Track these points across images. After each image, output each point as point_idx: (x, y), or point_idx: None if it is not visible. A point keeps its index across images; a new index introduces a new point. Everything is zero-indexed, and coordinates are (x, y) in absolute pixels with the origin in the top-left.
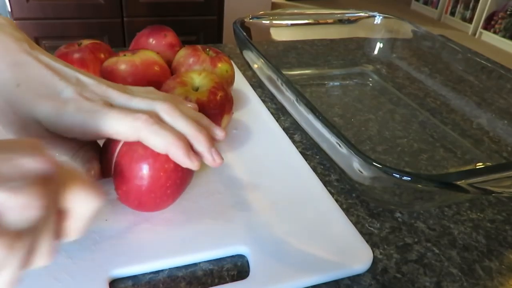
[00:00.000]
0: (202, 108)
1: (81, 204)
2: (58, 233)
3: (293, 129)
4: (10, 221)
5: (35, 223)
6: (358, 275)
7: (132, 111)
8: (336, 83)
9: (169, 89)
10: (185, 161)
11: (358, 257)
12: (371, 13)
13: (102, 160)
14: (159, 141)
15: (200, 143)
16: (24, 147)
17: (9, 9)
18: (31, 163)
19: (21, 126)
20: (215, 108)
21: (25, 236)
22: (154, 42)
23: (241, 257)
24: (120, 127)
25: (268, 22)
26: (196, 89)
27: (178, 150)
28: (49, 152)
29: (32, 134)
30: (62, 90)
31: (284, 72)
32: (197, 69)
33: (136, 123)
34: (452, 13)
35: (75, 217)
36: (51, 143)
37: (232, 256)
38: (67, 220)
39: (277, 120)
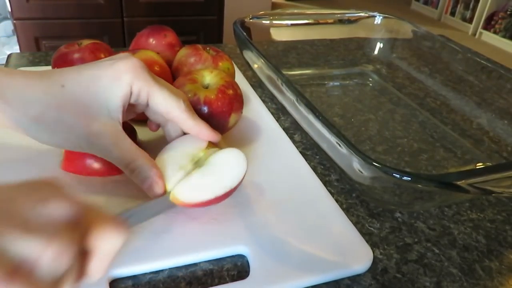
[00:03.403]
0: (210, 105)
1: (105, 244)
2: (81, 273)
3: (293, 129)
4: (43, 271)
5: (65, 270)
6: (358, 275)
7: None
8: (336, 83)
9: (179, 86)
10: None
11: (358, 257)
12: (371, 13)
13: None
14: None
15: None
16: (45, 191)
17: (9, 9)
18: (57, 209)
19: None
20: (223, 106)
21: (54, 284)
22: (154, 42)
23: (241, 257)
24: (171, 102)
25: (268, 22)
26: (206, 87)
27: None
28: (69, 193)
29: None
30: None
31: (284, 72)
32: (201, 67)
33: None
34: (452, 13)
35: (99, 257)
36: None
37: (232, 256)
38: (90, 260)
39: (277, 120)
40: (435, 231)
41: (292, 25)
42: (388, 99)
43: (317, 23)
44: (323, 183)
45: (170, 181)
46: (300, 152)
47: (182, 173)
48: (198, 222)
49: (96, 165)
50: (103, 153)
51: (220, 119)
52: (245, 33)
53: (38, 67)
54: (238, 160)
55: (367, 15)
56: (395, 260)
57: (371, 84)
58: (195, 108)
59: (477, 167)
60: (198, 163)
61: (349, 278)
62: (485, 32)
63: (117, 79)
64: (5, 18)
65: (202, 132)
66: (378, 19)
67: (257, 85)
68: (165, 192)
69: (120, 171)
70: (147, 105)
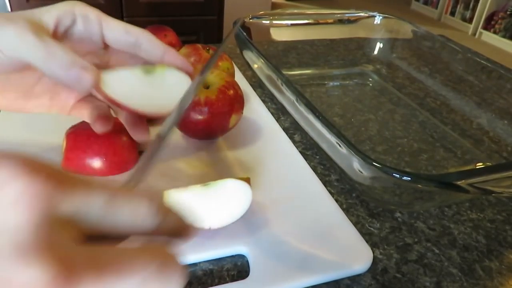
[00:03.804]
0: (211, 106)
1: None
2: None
3: (293, 129)
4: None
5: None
6: (358, 275)
7: None
8: (336, 83)
9: None
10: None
11: (358, 257)
12: (371, 13)
13: None
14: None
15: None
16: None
17: (9, 9)
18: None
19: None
20: (224, 106)
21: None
22: None
23: (241, 257)
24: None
25: (268, 22)
26: (207, 87)
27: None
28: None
29: None
30: None
31: (284, 72)
32: (200, 67)
33: None
34: (452, 13)
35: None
36: None
37: (232, 256)
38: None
39: (277, 120)
40: (435, 231)
41: (292, 25)
42: (388, 99)
43: (317, 23)
44: (323, 183)
45: (107, 77)
46: (300, 152)
47: (125, 72)
48: None
49: (96, 164)
50: (13, 52)
51: (221, 120)
52: (245, 33)
53: None
54: None
55: (367, 15)
56: (395, 260)
57: (371, 84)
58: (196, 109)
59: (477, 167)
60: (150, 73)
61: (349, 278)
62: (485, 32)
63: (58, 4)
64: None
65: (170, 53)
66: (378, 19)
67: (257, 85)
68: (98, 85)
69: (120, 170)
70: (103, 36)
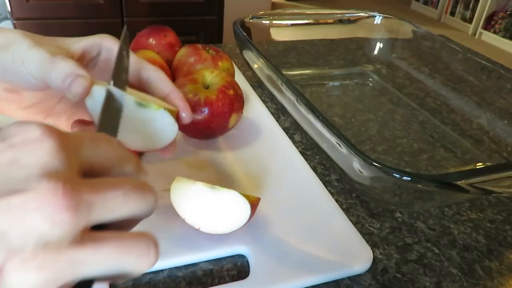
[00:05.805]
0: (211, 106)
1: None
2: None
3: (293, 129)
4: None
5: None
6: (358, 275)
7: None
8: (336, 83)
9: (180, 86)
10: None
11: (358, 257)
12: (371, 13)
13: None
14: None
15: None
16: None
17: (9, 9)
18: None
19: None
20: (224, 106)
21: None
22: (154, 42)
23: (241, 257)
24: None
25: (268, 22)
26: (207, 87)
27: None
28: None
29: None
30: None
31: (284, 72)
32: (201, 67)
33: None
34: (452, 13)
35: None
36: None
37: (232, 256)
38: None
39: (277, 120)
40: (435, 231)
41: (292, 25)
42: (388, 99)
43: (317, 23)
44: (323, 183)
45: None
46: (300, 152)
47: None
48: None
49: None
50: (37, 74)
51: (221, 120)
52: (245, 33)
53: None
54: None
55: (367, 15)
56: (395, 260)
57: (371, 84)
58: (196, 109)
59: (477, 167)
60: (142, 106)
61: (349, 278)
62: (485, 32)
63: (91, 36)
64: (5, 18)
65: (175, 94)
66: (378, 19)
67: (257, 85)
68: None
69: None
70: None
